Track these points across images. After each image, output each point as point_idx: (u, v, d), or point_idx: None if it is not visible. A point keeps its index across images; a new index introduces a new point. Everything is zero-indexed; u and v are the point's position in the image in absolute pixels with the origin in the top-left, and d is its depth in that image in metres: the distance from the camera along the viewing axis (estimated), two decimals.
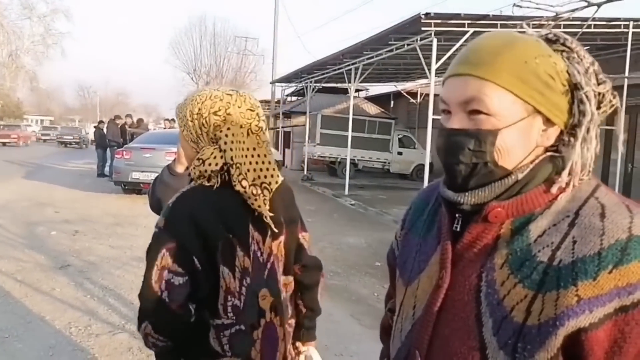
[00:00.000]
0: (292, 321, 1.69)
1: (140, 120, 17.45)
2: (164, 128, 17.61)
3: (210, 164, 1.44)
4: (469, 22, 9.20)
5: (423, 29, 9.42)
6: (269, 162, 1.51)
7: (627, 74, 9.47)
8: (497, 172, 0.82)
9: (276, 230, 1.53)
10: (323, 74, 16.71)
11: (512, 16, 8.86)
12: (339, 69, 15.04)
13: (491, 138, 0.81)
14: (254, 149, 1.50)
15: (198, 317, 1.46)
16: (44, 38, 38.63)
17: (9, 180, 13.98)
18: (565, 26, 7.89)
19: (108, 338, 4.18)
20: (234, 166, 1.45)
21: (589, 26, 8.51)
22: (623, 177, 11.38)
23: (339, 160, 18.72)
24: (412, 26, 9.74)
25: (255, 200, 1.46)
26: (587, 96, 0.82)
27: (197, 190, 1.46)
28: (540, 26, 6.27)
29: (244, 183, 1.45)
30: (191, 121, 1.50)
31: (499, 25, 8.84)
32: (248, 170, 1.47)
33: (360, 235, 8.51)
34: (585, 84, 0.82)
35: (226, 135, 1.46)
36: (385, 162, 19.39)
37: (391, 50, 11.60)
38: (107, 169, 15.44)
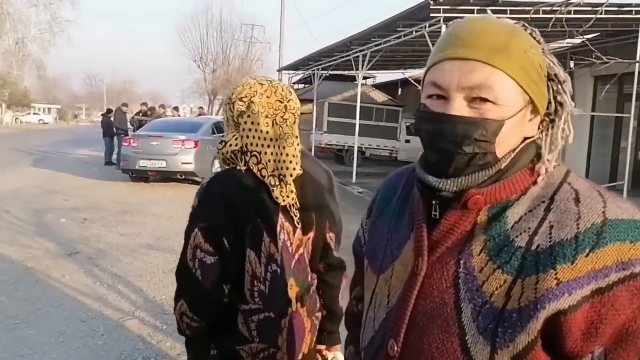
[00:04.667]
0: (319, 314, 1.71)
1: (152, 109, 17.48)
2: (172, 116, 17.62)
3: (230, 145, 1.50)
4: (478, 7, 9.10)
5: (432, 15, 9.32)
6: (289, 155, 1.52)
7: (638, 59, 9.35)
8: (491, 161, 0.81)
9: (298, 224, 1.56)
10: (330, 61, 16.63)
11: (522, 1, 8.76)
12: (346, 56, 14.95)
13: (496, 129, 0.79)
14: (277, 139, 1.52)
15: (228, 301, 1.50)
16: (50, 26, 38.72)
17: (16, 168, 14.07)
18: (576, 12, 7.79)
19: (118, 324, 4.21)
20: (249, 153, 1.49)
21: (600, 12, 8.40)
22: (633, 164, 11.29)
23: (346, 148, 18.69)
24: (420, 12, 9.65)
25: (274, 190, 1.50)
26: (565, 87, 0.84)
27: (230, 173, 1.52)
28: (553, 12, 6.19)
29: (264, 172, 1.50)
30: (225, 105, 1.57)
31: (508, 11, 8.74)
32: (269, 161, 1.50)
33: None
34: (563, 74, 0.84)
35: (245, 122, 1.51)
36: (392, 150, 19.33)
37: (399, 37, 11.51)
38: (114, 157, 15.50)
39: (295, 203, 1.55)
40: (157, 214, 8.78)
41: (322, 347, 1.82)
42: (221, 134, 13.61)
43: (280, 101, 1.53)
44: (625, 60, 8.87)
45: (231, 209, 1.46)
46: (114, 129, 16.06)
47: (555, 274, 0.72)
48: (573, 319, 0.71)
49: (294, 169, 1.53)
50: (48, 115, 60.72)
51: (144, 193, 11.11)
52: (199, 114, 18.66)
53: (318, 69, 18.63)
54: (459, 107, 0.79)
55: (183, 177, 12.09)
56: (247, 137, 1.50)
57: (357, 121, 14.80)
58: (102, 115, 18.16)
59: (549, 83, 0.84)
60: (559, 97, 0.84)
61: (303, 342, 1.60)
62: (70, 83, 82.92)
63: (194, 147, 11.82)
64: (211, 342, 1.54)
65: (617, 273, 0.70)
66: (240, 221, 1.46)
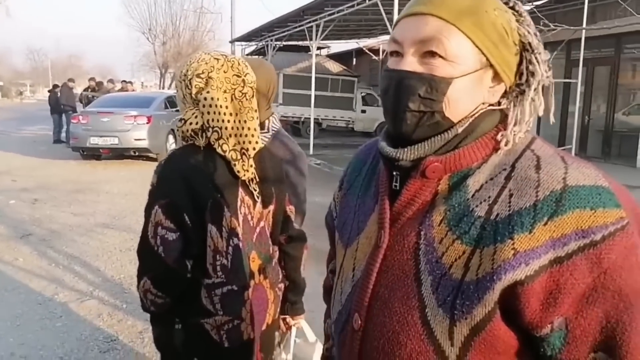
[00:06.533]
0: (282, 285, 1.74)
1: (99, 84, 16.88)
2: (121, 90, 16.92)
3: (190, 124, 1.49)
4: None
5: None
6: (250, 129, 1.54)
7: (584, 26, 9.61)
8: (442, 124, 0.79)
9: (258, 198, 1.58)
10: (284, 31, 16.40)
11: None
12: (299, 26, 14.77)
13: (444, 86, 0.77)
14: (236, 114, 1.52)
15: (191, 276, 1.51)
16: None
17: None
18: None
19: (76, 305, 4.14)
20: (211, 129, 1.48)
21: None
22: (580, 129, 11.71)
23: (302, 119, 18.60)
24: None
25: (235, 165, 1.50)
26: (537, 57, 0.81)
27: (188, 149, 1.52)
28: None
29: (225, 147, 1.50)
30: (179, 82, 1.53)
31: None
32: (230, 135, 1.50)
33: (327, 195, 8.51)
34: (537, 44, 0.81)
35: (205, 99, 1.49)
36: (349, 121, 19.36)
37: (352, 6, 11.43)
38: (63, 134, 14.99)
39: (255, 177, 1.56)
40: (112, 192, 8.59)
41: (286, 317, 1.85)
42: (174, 109, 13.32)
43: (237, 75, 1.52)
44: (573, 27, 9.10)
45: (191, 184, 1.46)
46: (62, 105, 15.49)
47: (513, 244, 0.70)
48: (531, 290, 0.69)
49: (256, 142, 1.54)
50: None
51: (97, 171, 10.83)
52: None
53: (271, 40, 18.36)
54: (409, 62, 0.79)
55: (137, 153, 11.82)
56: (208, 113, 1.49)
57: (313, 92, 14.72)
58: (48, 91, 17.44)
59: (524, 53, 0.81)
60: (530, 67, 0.81)
61: (267, 313, 1.63)
62: (12, 59, 79.18)
63: (147, 123, 11.54)
64: (176, 317, 1.55)
65: (576, 241, 0.68)
66: (200, 197, 1.46)
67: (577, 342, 0.70)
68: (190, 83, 1.50)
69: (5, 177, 9.68)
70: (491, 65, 0.79)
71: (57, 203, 7.70)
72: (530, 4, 9.11)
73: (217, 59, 1.52)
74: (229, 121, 1.50)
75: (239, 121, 1.52)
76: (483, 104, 0.82)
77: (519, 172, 0.75)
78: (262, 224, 1.61)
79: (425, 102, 0.78)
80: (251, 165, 1.54)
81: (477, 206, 0.75)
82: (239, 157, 1.51)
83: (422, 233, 0.79)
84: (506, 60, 0.80)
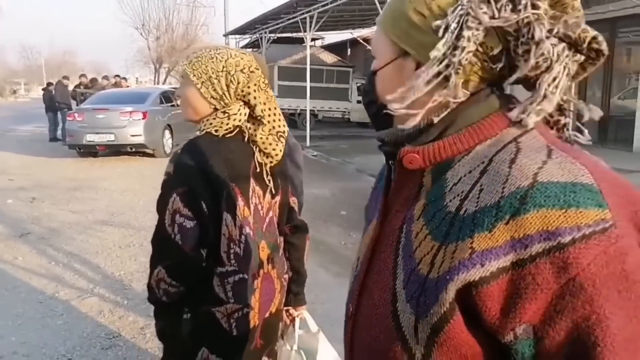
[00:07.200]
0: (287, 276, 1.79)
1: (93, 80, 16.80)
2: (114, 85, 16.79)
3: (235, 120, 1.55)
4: None
5: None
6: (278, 114, 1.64)
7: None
8: (390, 112, 0.79)
9: (269, 186, 1.65)
10: (277, 23, 16.34)
11: None
12: (293, 17, 14.72)
13: (370, 78, 0.86)
14: (266, 103, 1.61)
15: (205, 264, 1.54)
16: None
17: None
18: None
19: (77, 303, 4.15)
20: (265, 118, 1.59)
21: None
22: (576, 114, 11.67)
23: (298, 111, 18.57)
24: None
25: (274, 149, 1.60)
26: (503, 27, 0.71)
27: (205, 138, 1.55)
28: None
29: (261, 134, 1.59)
30: (216, 78, 1.55)
31: None
32: (269, 122, 1.60)
33: (324, 186, 8.57)
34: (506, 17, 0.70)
35: (255, 91, 1.57)
36: (345, 112, 19.34)
37: None
38: (59, 132, 14.94)
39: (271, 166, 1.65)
40: (109, 189, 8.57)
41: (289, 308, 1.88)
42: (169, 104, 13.23)
43: (257, 68, 1.62)
44: None
45: (207, 173, 1.50)
46: (57, 103, 15.42)
47: (471, 243, 0.65)
48: (487, 292, 0.64)
49: (284, 124, 1.66)
50: None
51: (94, 168, 10.80)
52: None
53: (265, 32, 18.29)
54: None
55: (133, 149, 11.79)
56: (259, 104, 1.58)
57: (308, 84, 14.69)
58: (42, 89, 17.35)
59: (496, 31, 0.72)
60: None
61: (272, 302, 1.67)
62: (6, 57, 78.78)
63: (143, 119, 11.50)
64: (185, 306, 1.58)
65: (540, 243, 0.62)
66: (217, 185, 1.51)
67: (547, 353, 0.64)
68: (234, 78, 1.55)
69: (1, 176, 9.65)
70: (406, 52, 0.78)
71: (55, 201, 7.69)
72: None
73: (244, 54, 1.61)
74: (269, 109, 1.60)
75: (269, 108, 1.61)
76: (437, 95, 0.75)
77: (494, 166, 0.70)
78: (270, 213, 1.67)
79: (367, 93, 0.89)
80: (281, 150, 1.64)
81: (450, 201, 0.72)
82: (276, 140, 1.61)
83: (404, 226, 0.78)
84: (424, 44, 0.75)
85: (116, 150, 11.82)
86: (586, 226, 0.61)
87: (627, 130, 11.03)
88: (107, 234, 5.96)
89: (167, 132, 12.31)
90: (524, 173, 0.66)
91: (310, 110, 15.58)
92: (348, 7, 13.27)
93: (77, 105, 14.15)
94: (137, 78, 52.16)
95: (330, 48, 23.84)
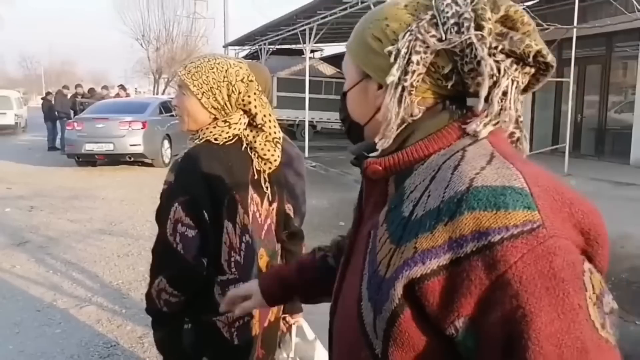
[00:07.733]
0: None
1: (91, 90, 16.82)
2: (116, 96, 16.79)
3: (236, 128, 1.57)
4: None
5: None
6: (272, 120, 1.66)
7: (575, 25, 9.68)
8: (357, 128, 0.90)
9: (267, 192, 1.66)
10: (277, 35, 16.44)
11: None
12: (293, 29, 14.81)
13: (343, 98, 0.92)
14: (261, 110, 1.63)
15: (206, 273, 1.53)
16: None
17: None
18: None
19: (75, 311, 4.14)
20: (265, 126, 1.61)
21: None
22: (573, 128, 11.76)
23: (297, 122, 18.62)
24: None
25: (272, 155, 1.61)
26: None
27: (205, 147, 1.55)
28: None
29: (259, 141, 1.61)
30: (217, 89, 1.55)
31: None
32: (263, 130, 1.62)
33: (323, 197, 8.57)
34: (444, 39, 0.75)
35: (255, 100, 1.59)
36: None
37: (345, 9, 11.48)
38: (58, 141, 14.94)
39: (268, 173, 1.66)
40: (108, 198, 8.58)
41: (286, 316, 1.88)
42: (169, 114, 13.24)
43: (253, 77, 1.63)
44: (564, 26, 9.17)
45: (209, 181, 1.50)
46: (56, 112, 15.45)
47: (415, 243, 0.71)
48: (428, 288, 0.69)
49: (279, 131, 1.68)
50: None
51: (92, 177, 10.81)
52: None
53: (265, 44, 18.38)
54: None
55: (132, 159, 11.82)
56: (259, 112, 1.60)
57: (307, 95, 14.75)
58: (42, 99, 17.39)
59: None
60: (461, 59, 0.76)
61: (271, 310, 1.67)
62: (5, 66, 78.65)
63: (142, 128, 11.54)
64: (186, 316, 1.57)
65: (473, 242, 0.67)
66: (217, 193, 1.51)
67: (486, 345, 0.68)
68: (235, 88, 1.56)
69: (0, 184, 9.65)
70: (367, 75, 0.85)
71: (54, 210, 7.69)
72: (522, 4, 9.17)
73: (241, 62, 1.63)
74: (265, 115, 1.62)
75: (265, 115, 1.62)
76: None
77: (440, 173, 0.75)
78: (269, 220, 1.67)
79: (340, 111, 0.95)
80: (279, 156, 1.65)
81: (406, 206, 0.77)
82: (273, 147, 1.63)
83: (372, 232, 0.84)
84: (382, 67, 0.80)
85: (115, 159, 11.83)
86: (514, 226, 0.66)
87: (624, 144, 11.08)
88: (106, 243, 5.96)
89: (166, 142, 12.33)
90: (462, 179, 0.71)
91: (309, 121, 15.63)
92: (347, 19, 13.36)
93: (74, 114, 14.15)
94: (136, 88, 52.24)
95: (329, 60, 23.92)
